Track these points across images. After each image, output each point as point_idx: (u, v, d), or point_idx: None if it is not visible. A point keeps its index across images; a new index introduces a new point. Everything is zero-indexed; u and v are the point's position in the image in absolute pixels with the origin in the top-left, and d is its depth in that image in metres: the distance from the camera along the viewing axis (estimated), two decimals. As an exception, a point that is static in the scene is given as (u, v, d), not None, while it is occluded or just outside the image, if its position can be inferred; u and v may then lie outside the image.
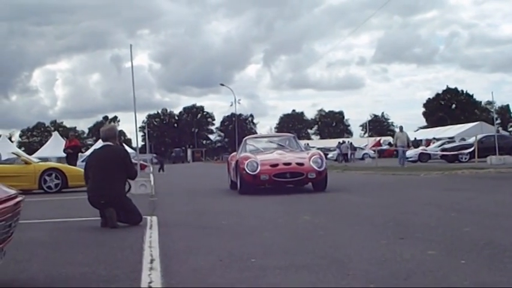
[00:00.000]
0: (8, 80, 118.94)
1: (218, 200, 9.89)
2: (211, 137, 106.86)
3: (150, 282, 3.40)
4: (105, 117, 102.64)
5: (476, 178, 13.07)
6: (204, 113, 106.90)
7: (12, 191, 3.42)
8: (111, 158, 6.42)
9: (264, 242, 4.85)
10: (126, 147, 9.76)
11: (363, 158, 41.90)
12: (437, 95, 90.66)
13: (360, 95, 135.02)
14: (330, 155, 42.21)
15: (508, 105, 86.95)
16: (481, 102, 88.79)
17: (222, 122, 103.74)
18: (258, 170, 10.25)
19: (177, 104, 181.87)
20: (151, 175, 19.49)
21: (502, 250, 4.00)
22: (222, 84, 65.41)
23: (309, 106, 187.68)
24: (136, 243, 4.95)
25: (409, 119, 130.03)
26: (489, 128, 35.44)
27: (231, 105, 60.78)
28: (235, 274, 3.56)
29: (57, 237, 5.74)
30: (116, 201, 6.25)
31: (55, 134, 50.44)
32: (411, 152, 27.46)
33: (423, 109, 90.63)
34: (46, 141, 54.42)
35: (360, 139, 72.58)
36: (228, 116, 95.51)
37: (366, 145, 49.55)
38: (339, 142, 44.01)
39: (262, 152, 11.38)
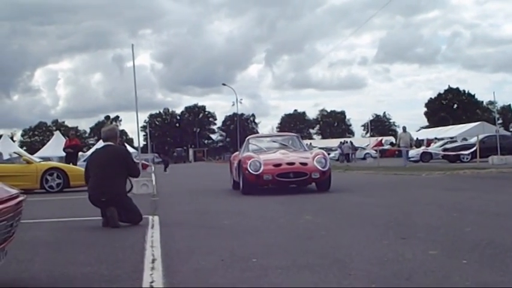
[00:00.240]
0: (10, 79, 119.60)
1: (220, 200, 9.89)
2: (213, 136, 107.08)
3: (151, 282, 3.40)
4: (107, 117, 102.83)
5: (478, 178, 13.06)
6: (206, 113, 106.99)
7: (14, 191, 3.42)
8: (112, 157, 6.44)
9: (265, 241, 4.84)
10: (128, 147, 9.75)
11: (364, 158, 41.91)
12: (439, 95, 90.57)
13: (361, 94, 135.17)
14: (332, 154, 42.07)
15: (509, 105, 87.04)
16: (482, 102, 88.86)
17: (224, 122, 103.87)
18: (261, 170, 10.15)
19: (179, 103, 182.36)
20: (153, 175, 19.49)
21: (504, 250, 3.99)
22: (224, 84, 65.51)
23: (311, 106, 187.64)
24: (138, 243, 4.95)
25: (411, 119, 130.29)
26: (491, 128, 35.31)
27: (233, 105, 60.93)
28: (237, 274, 3.56)
29: (58, 236, 5.75)
30: (116, 200, 6.25)
31: (57, 133, 50.40)
32: (413, 152, 27.42)
33: (425, 109, 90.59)
34: (48, 141, 54.41)
35: (361, 139, 72.69)
36: (229, 116, 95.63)
37: (368, 145, 49.58)
38: (341, 142, 43.99)
39: (265, 152, 11.30)
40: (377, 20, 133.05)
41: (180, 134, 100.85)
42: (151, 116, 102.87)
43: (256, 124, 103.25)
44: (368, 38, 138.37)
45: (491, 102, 77.89)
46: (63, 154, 19.04)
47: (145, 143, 52.30)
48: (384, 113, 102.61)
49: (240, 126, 61.30)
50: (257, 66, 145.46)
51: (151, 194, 11.17)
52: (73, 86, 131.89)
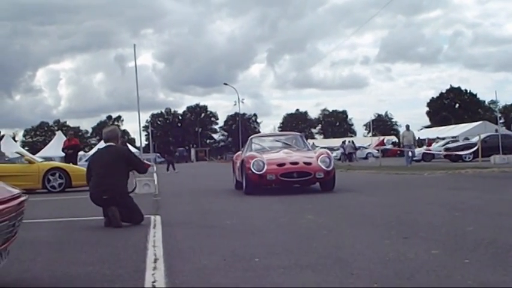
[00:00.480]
0: (11, 79, 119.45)
1: (222, 200, 9.88)
2: (215, 136, 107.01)
3: (153, 282, 3.40)
4: (109, 117, 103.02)
5: (480, 177, 13.04)
6: (208, 113, 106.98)
7: (16, 191, 3.43)
8: (114, 156, 6.46)
9: (267, 241, 4.85)
10: (130, 147, 9.76)
11: (366, 158, 41.85)
12: (441, 94, 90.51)
13: (363, 94, 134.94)
14: (334, 154, 42.00)
15: (511, 105, 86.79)
16: (484, 101, 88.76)
17: (226, 122, 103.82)
18: (264, 170, 10.05)
19: (181, 103, 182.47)
20: (155, 174, 19.48)
21: (506, 249, 3.99)
22: (226, 84, 65.31)
23: (313, 105, 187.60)
24: (140, 242, 4.95)
25: (413, 119, 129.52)
26: (493, 128, 35.30)
27: (235, 104, 60.87)
28: (239, 274, 3.56)
29: (61, 236, 5.75)
30: (118, 198, 6.26)
31: (59, 133, 50.47)
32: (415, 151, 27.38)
33: (427, 108, 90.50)
34: (50, 141, 54.49)
35: (363, 138, 72.57)
36: (231, 116, 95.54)
37: (370, 144, 49.48)
38: (343, 141, 43.94)
39: (268, 151, 11.17)
40: (379, 20, 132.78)
41: (182, 134, 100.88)
42: (153, 115, 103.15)
43: (258, 124, 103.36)
44: (370, 37, 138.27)
45: (493, 102, 77.87)
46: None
47: (147, 142, 52.37)
48: (386, 112, 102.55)
49: (242, 126, 61.21)
50: (259, 65, 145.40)
51: (153, 194, 11.18)
52: (75, 86, 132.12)
